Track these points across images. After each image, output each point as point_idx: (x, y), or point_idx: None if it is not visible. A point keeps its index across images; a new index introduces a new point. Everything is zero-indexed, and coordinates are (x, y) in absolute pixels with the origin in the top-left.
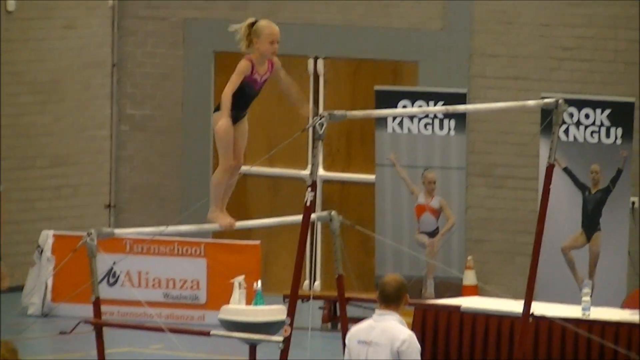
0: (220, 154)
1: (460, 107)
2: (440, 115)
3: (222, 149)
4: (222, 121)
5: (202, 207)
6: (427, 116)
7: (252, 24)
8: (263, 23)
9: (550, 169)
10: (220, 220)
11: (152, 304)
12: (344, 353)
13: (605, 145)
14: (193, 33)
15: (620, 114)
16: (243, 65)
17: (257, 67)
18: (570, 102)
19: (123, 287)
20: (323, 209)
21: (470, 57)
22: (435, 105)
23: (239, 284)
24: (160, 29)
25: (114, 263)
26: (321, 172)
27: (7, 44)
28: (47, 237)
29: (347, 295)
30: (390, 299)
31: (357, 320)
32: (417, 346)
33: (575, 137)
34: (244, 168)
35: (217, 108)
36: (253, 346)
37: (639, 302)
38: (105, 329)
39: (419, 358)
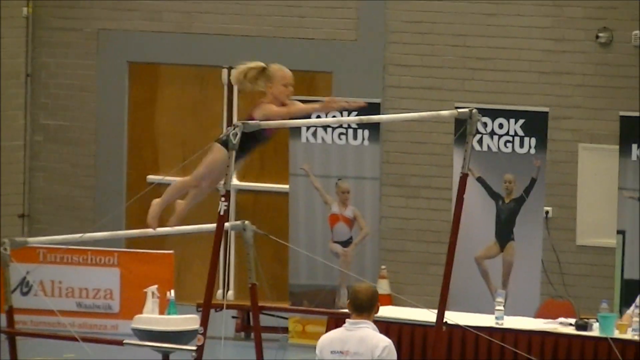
0: (198, 168)
1: (375, 117)
2: (354, 125)
3: (202, 167)
4: (223, 149)
5: (115, 218)
6: (341, 126)
7: (264, 69)
8: (275, 67)
9: (463, 179)
10: (150, 214)
11: (65, 313)
12: None
13: (519, 155)
14: (107, 44)
15: (534, 124)
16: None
17: (265, 116)
18: (484, 112)
19: (36, 297)
20: (236, 219)
21: (384, 68)
22: (349, 115)
23: (152, 294)
24: (74, 40)
25: (27, 272)
26: (235, 181)
27: None
28: None
29: (260, 304)
30: (364, 308)
31: (270, 329)
32: (395, 353)
33: (489, 147)
34: (156, 178)
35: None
36: (166, 355)
37: (552, 311)
38: (18, 338)
39: None
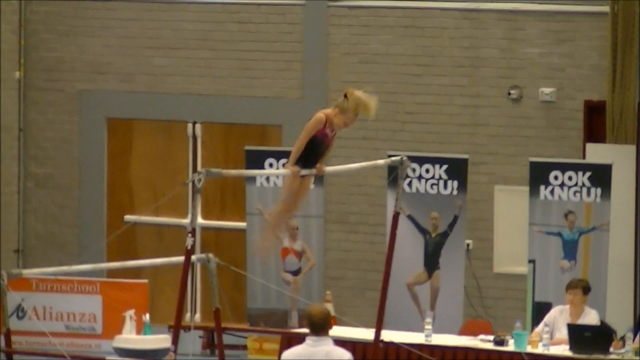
0: (281, 196)
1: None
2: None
3: (283, 194)
4: (289, 169)
5: (96, 252)
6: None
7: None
8: (366, 103)
9: (395, 216)
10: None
11: (55, 334)
12: None
13: (443, 196)
14: (87, 102)
15: (455, 169)
16: (318, 117)
17: (331, 123)
18: (412, 159)
19: (30, 320)
20: (201, 252)
21: None
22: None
23: (130, 317)
24: (59, 99)
25: (22, 300)
26: (199, 220)
27: None
28: None
29: (223, 325)
30: (321, 326)
31: (232, 347)
32: None
33: (417, 189)
34: (132, 217)
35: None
36: None
37: (473, 329)
38: (15, 357)
39: None
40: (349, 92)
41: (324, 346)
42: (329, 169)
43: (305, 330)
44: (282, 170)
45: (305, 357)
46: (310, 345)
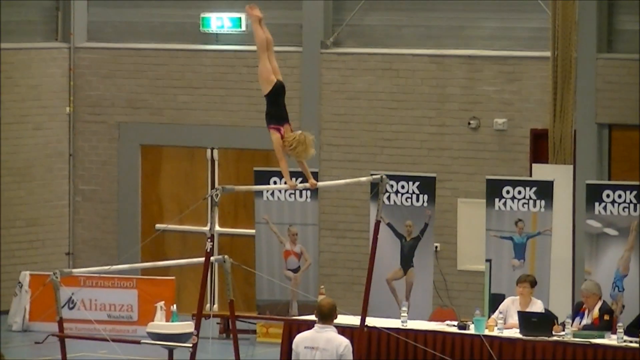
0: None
1: (318, 184)
2: (300, 188)
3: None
4: (289, 184)
5: (133, 254)
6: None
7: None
8: (306, 149)
9: (377, 224)
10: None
11: (99, 322)
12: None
13: (416, 207)
14: (124, 132)
15: (425, 185)
16: (276, 138)
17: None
18: (390, 177)
19: (79, 310)
20: (218, 254)
21: (320, 147)
22: (296, 181)
23: (160, 307)
24: (101, 129)
25: (72, 293)
26: (217, 228)
27: None
28: (25, 276)
29: (236, 314)
30: (327, 316)
31: (243, 331)
32: (351, 350)
33: (394, 201)
34: (162, 226)
35: None
36: (171, 350)
37: (441, 316)
38: (67, 340)
39: (352, 358)
40: (303, 135)
41: (326, 333)
42: (321, 184)
43: (304, 317)
44: (284, 185)
45: (309, 340)
46: (317, 331)
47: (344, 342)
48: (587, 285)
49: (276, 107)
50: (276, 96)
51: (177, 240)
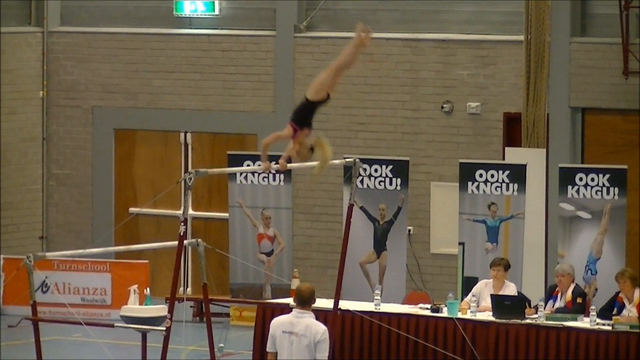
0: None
1: (288, 165)
2: (273, 171)
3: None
4: (263, 165)
5: (106, 238)
6: (264, 172)
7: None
8: (325, 156)
9: (350, 208)
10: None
11: (73, 305)
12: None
13: (389, 191)
14: (98, 116)
15: (399, 169)
16: (288, 132)
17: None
18: (363, 161)
19: (52, 294)
20: (192, 238)
21: None
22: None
23: (134, 291)
24: (75, 114)
25: (46, 277)
26: (190, 211)
27: None
28: None
29: (209, 297)
30: (306, 302)
31: (217, 315)
32: (328, 337)
33: (368, 185)
34: (135, 209)
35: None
36: (144, 334)
37: (414, 300)
38: (40, 324)
39: (328, 345)
40: (322, 141)
41: (305, 319)
42: (293, 165)
43: (278, 300)
44: (257, 167)
45: (287, 325)
46: (295, 316)
47: (321, 329)
48: (561, 265)
49: (308, 113)
50: (316, 105)
51: (151, 224)
